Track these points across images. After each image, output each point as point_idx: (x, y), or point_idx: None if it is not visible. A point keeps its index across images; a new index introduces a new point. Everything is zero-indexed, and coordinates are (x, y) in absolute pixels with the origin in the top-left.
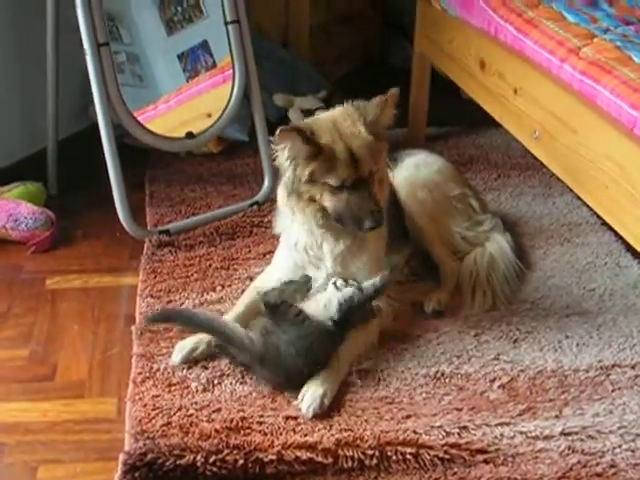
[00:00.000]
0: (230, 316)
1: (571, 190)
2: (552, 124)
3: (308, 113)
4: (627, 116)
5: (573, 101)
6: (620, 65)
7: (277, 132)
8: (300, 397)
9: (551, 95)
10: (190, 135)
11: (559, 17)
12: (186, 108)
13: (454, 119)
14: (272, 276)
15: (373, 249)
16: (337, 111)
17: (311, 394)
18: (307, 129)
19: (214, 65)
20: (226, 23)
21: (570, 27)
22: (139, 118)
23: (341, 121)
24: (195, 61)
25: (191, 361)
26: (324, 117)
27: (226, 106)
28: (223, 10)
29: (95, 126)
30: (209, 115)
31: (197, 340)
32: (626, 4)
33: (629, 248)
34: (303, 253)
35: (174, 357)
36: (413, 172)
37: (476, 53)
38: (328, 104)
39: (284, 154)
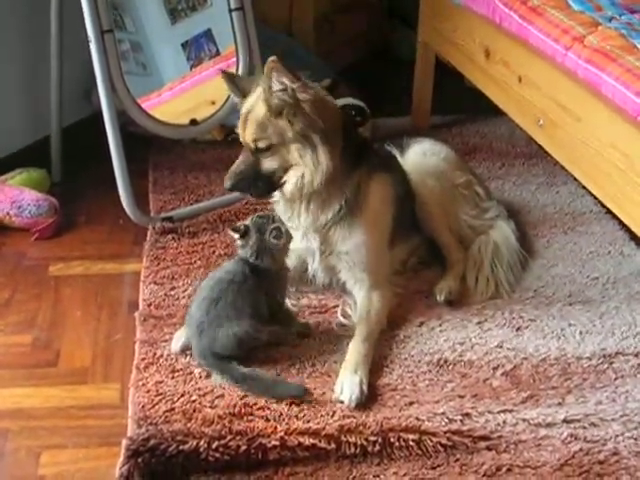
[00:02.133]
0: None
1: (575, 179)
2: (556, 112)
3: None
4: (632, 104)
5: (578, 89)
6: (625, 53)
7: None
8: (338, 390)
9: (555, 83)
10: (194, 122)
11: (564, 5)
12: (190, 96)
13: (458, 107)
14: None
15: (368, 232)
16: None
17: (349, 385)
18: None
19: (217, 53)
20: (230, 10)
21: (575, 15)
22: (143, 105)
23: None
24: (199, 50)
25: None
26: None
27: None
28: None
29: (99, 113)
30: (213, 103)
31: None
32: None
33: (633, 237)
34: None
35: (173, 346)
36: (421, 159)
37: (480, 41)
38: (332, 92)
39: None
